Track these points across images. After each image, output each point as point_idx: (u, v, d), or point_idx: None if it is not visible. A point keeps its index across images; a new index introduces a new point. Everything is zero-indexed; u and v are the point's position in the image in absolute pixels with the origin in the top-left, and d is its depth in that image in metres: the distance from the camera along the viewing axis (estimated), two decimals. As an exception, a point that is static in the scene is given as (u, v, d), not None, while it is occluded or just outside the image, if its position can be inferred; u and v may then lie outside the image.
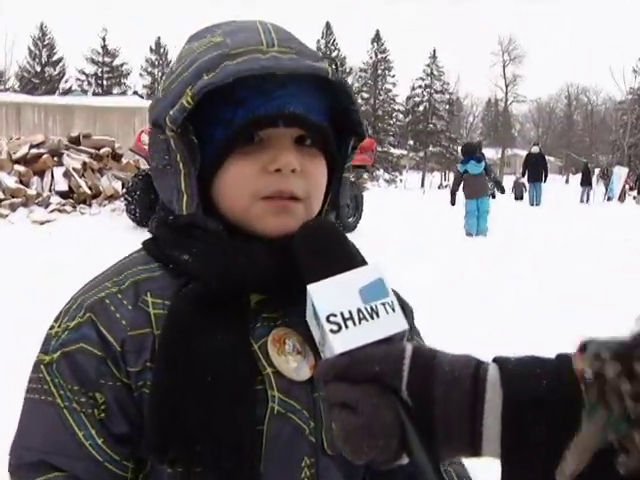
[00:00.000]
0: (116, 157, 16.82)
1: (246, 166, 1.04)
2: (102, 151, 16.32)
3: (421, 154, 68.22)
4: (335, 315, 0.84)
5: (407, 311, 1.17)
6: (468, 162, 14.67)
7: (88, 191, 15.11)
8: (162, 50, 75.94)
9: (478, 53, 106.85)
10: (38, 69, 66.00)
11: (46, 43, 66.80)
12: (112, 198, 15.41)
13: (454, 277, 8.96)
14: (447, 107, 74.02)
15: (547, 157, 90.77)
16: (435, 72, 75.02)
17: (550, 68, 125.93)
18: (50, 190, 14.82)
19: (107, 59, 71.89)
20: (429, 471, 0.78)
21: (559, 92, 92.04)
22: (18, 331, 6.47)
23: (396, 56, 79.50)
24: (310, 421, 1.05)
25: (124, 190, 14.18)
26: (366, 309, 0.84)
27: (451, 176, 61.43)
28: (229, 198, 1.06)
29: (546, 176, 25.66)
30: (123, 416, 1.02)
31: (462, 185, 14.90)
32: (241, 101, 1.03)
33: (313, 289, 0.86)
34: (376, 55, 74.29)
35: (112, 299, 1.06)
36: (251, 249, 1.05)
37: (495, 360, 0.82)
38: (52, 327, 1.09)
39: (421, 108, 73.54)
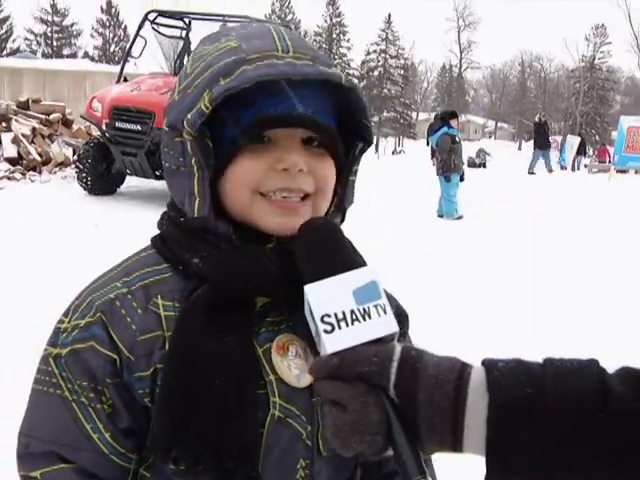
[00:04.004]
0: (67, 123, 16.55)
1: (253, 164, 1.06)
2: (52, 117, 16.04)
3: (375, 119, 68.22)
4: (329, 315, 0.88)
5: (403, 317, 1.26)
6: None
7: (38, 158, 14.83)
8: (113, 10, 74.38)
9: (433, 18, 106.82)
10: (-16, 28, 64.24)
11: (-8, 1, 64.97)
12: (63, 165, 15.17)
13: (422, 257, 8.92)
14: (402, 72, 74.01)
15: (500, 124, 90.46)
16: (390, 37, 74.86)
17: (504, 35, 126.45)
18: (-2, 157, 14.51)
19: (57, 18, 70.33)
20: (411, 464, 0.84)
21: (513, 59, 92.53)
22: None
23: (351, 20, 79.13)
24: (307, 425, 1.09)
25: (75, 157, 13.95)
26: (359, 310, 0.89)
27: (405, 142, 61.67)
28: (233, 195, 1.08)
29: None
30: (128, 412, 1.06)
31: None
32: (251, 102, 1.04)
33: (310, 289, 0.91)
34: (331, 19, 73.82)
35: (123, 301, 1.08)
36: (258, 253, 1.07)
37: (483, 363, 0.88)
38: (61, 321, 1.11)
39: (376, 73, 73.46)
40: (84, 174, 12.73)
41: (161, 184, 13.12)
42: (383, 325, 0.89)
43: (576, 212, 13.77)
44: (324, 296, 0.90)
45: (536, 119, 28.38)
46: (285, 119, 1.05)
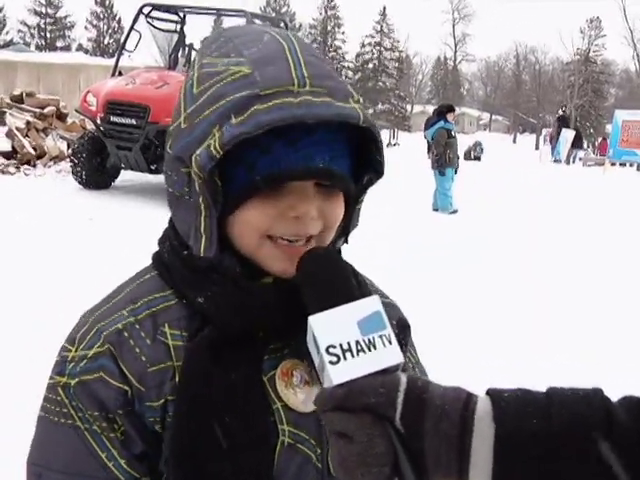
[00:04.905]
0: (61, 117, 16.48)
1: (265, 210, 1.03)
2: (47, 110, 15.97)
3: (370, 112, 68.13)
4: (334, 346, 0.88)
5: (405, 328, 1.27)
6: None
7: (32, 152, 14.79)
8: (107, 2, 74.10)
9: (428, 11, 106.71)
10: (-23, 20, 63.97)
11: (-15, -7, 64.63)
12: (57, 159, 15.12)
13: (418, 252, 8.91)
14: (396, 65, 73.94)
15: (495, 116, 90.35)
16: (385, 29, 74.75)
17: (499, 27, 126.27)
18: (-8, 150, 14.45)
19: (50, 10, 70.00)
20: None
21: (508, 51, 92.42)
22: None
23: (346, 13, 79.01)
24: (317, 448, 1.10)
25: (70, 151, 13.90)
26: (364, 341, 0.89)
27: (399, 135, 61.65)
28: (241, 236, 1.06)
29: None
30: (141, 438, 1.05)
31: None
32: (266, 148, 1.00)
33: (314, 320, 0.90)
34: (326, 11, 73.67)
35: (131, 331, 1.07)
36: (262, 291, 1.07)
37: (488, 393, 0.88)
38: (67, 349, 1.10)
39: (370, 66, 73.39)
40: (79, 168, 12.73)
41: (155, 178, 13.12)
42: (388, 356, 0.89)
43: (571, 205, 13.82)
44: (329, 327, 0.89)
45: (560, 112, 29.68)
46: (303, 173, 1.01)
